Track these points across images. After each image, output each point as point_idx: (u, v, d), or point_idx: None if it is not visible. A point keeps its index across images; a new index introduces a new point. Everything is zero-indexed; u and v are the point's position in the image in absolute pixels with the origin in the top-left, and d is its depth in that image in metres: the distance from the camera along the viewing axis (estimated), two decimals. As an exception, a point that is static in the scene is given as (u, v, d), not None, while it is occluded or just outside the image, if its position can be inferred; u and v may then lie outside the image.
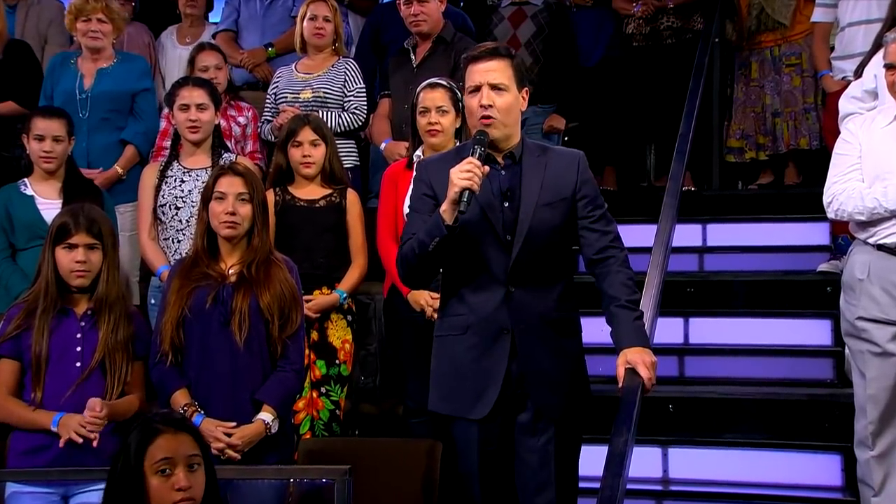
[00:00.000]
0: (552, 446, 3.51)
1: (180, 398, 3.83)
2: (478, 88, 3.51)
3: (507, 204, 3.52)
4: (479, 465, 3.54)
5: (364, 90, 5.70)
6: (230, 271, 3.91)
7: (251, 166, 4.76)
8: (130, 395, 3.90)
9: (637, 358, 3.38)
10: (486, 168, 3.38)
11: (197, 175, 4.89)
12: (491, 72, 3.51)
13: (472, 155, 3.38)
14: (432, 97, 4.67)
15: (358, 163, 5.80)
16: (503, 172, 3.55)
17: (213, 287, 3.85)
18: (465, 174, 3.31)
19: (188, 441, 2.90)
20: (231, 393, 3.83)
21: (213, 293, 3.84)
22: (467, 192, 3.31)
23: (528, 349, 3.50)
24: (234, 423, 3.78)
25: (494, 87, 3.50)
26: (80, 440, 3.67)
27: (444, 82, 4.75)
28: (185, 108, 4.91)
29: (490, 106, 3.48)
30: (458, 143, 4.62)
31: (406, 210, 4.52)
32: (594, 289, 3.60)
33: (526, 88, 3.62)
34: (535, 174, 3.55)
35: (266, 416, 3.82)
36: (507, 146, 3.57)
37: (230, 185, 3.92)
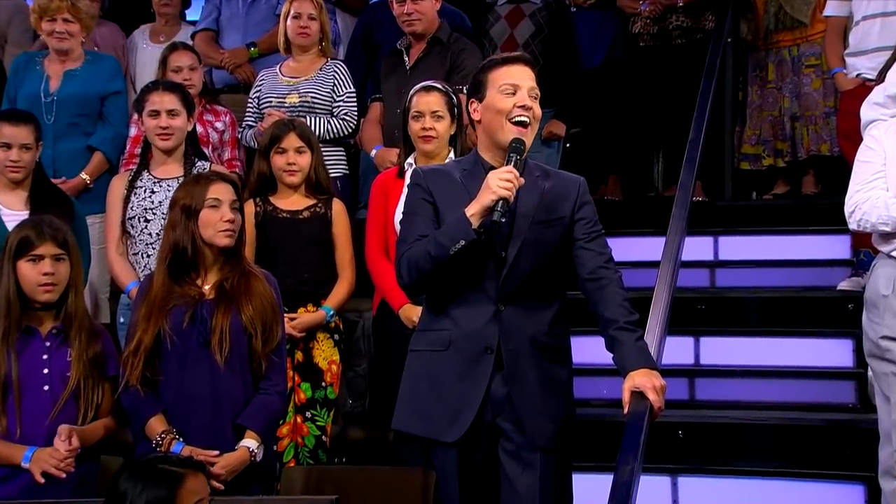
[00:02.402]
0: (540, 475, 3.50)
1: (156, 425, 3.79)
2: (514, 88, 3.52)
3: (503, 219, 3.49)
4: (459, 491, 3.55)
5: (354, 94, 5.69)
6: (206, 287, 3.87)
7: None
8: (101, 419, 3.89)
9: (645, 381, 3.35)
10: (522, 179, 3.42)
11: (168, 185, 4.84)
12: (529, 78, 3.56)
13: (509, 163, 3.42)
14: (427, 101, 4.66)
15: (347, 171, 5.78)
16: None
17: (190, 304, 3.81)
18: (505, 183, 3.34)
19: (203, 478, 3.00)
20: (211, 417, 3.80)
21: (191, 311, 3.80)
22: (503, 201, 3.34)
23: (516, 371, 3.50)
24: (216, 452, 3.75)
25: (531, 92, 3.55)
26: (63, 475, 3.65)
27: (439, 86, 4.74)
28: (155, 114, 4.88)
29: (530, 108, 3.52)
30: (451, 151, 4.62)
31: (398, 218, 4.49)
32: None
33: None
34: (532, 191, 3.57)
35: (250, 442, 3.80)
36: None
37: (223, 192, 3.89)
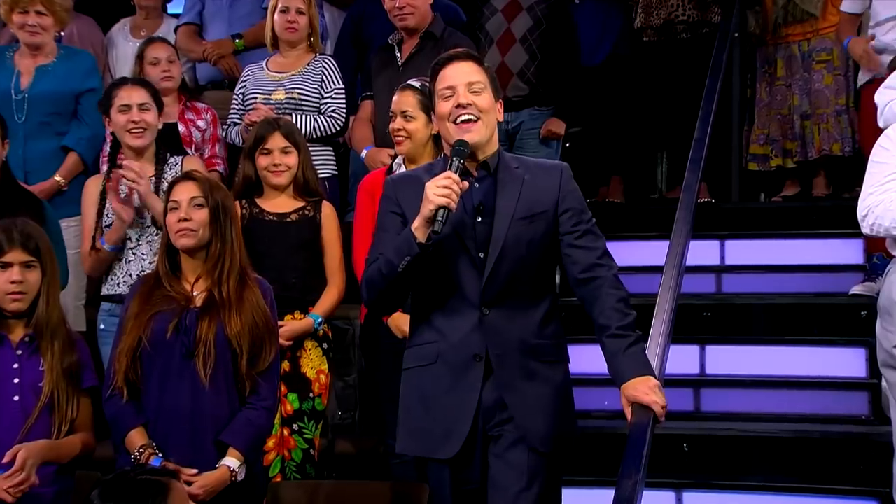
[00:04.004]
0: (528, 477, 3.46)
1: (136, 438, 3.75)
2: (452, 91, 3.52)
3: (479, 219, 3.52)
4: None
5: (343, 91, 5.67)
6: (195, 293, 3.84)
7: (199, 166, 4.67)
8: (77, 433, 3.85)
9: (636, 391, 3.33)
10: (465, 184, 3.39)
11: None
12: (466, 73, 3.55)
13: (450, 168, 3.39)
14: (398, 101, 4.71)
15: (336, 172, 5.77)
16: (477, 185, 3.54)
17: (177, 312, 3.78)
18: (442, 190, 3.31)
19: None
20: (192, 434, 3.75)
21: (176, 320, 3.76)
22: (443, 210, 3.31)
23: (506, 376, 3.48)
24: (195, 470, 3.70)
25: (471, 87, 3.52)
26: (10, 499, 3.62)
27: (415, 84, 4.75)
28: (126, 108, 4.83)
29: (469, 104, 3.50)
30: (440, 151, 4.61)
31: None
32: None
33: (500, 101, 3.64)
34: (511, 186, 3.55)
35: (231, 461, 3.75)
36: (482, 156, 3.56)
37: (182, 192, 3.88)
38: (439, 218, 3.30)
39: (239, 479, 3.75)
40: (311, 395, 4.69)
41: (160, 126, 4.97)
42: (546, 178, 3.59)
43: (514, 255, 3.48)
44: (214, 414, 3.76)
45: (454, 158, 3.41)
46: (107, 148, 5.54)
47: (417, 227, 3.34)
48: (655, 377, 3.40)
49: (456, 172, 3.36)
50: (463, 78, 3.52)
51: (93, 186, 4.93)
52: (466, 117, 3.48)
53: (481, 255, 3.47)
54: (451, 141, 3.53)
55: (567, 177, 3.61)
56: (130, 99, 4.82)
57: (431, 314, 3.53)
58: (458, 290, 3.48)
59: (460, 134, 3.48)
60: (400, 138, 4.65)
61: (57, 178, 5.47)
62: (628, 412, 3.34)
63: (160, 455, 3.71)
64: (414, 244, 3.34)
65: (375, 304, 3.65)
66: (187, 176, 3.96)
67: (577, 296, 3.56)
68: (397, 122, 4.65)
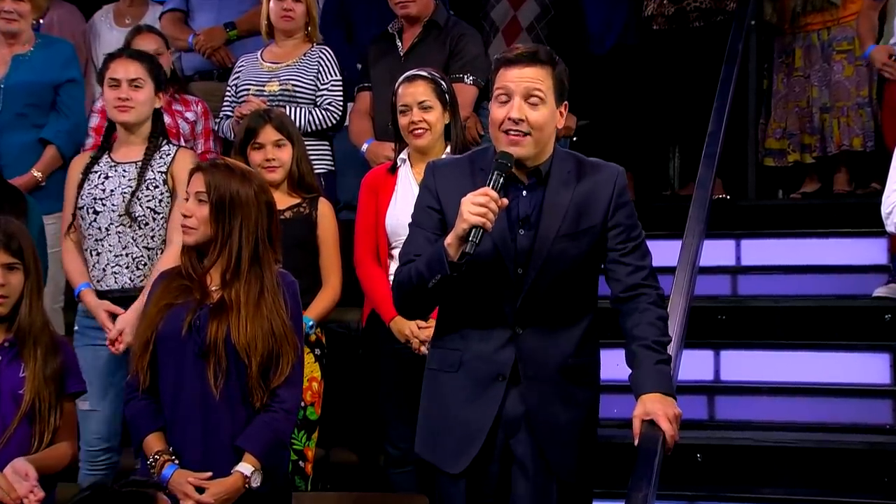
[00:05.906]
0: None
1: (153, 443, 3.68)
2: (508, 97, 3.44)
3: (522, 231, 3.45)
4: None
5: (340, 83, 5.66)
6: (213, 288, 3.74)
7: (193, 159, 4.61)
8: (61, 441, 3.82)
9: (657, 408, 3.30)
10: (504, 201, 3.29)
11: (124, 171, 4.71)
12: (526, 80, 3.44)
13: (489, 183, 3.30)
14: (412, 92, 4.64)
15: (332, 168, 5.74)
16: (524, 193, 3.48)
17: (192, 307, 3.68)
18: (479, 209, 3.22)
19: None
20: (205, 437, 3.66)
21: (191, 316, 3.67)
22: (477, 229, 3.22)
23: (537, 398, 3.45)
24: (209, 474, 3.63)
25: (529, 98, 3.43)
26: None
27: (424, 73, 4.71)
28: (115, 84, 4.71)
29: (521, 120, 3.41)
30: (448, 146, 4.57)
31: (389, 219, 4.47)
32: (609, 315, 3.55)
33: (565, 103, 3.56)
34: (560, 196, 3.47)
35: (245, 467, 3.65)
36: (533, 164, 3.49)
37: (192, 184, 3.76)
38: (472, 238, 3.21)
39: (254, 485, 3.66)
40: (301, 404, 4.64)
41: (159, 105, 4.82)
42: (597, 190, 3.51)
43: (555, 273, 3.43)
44: (228, 417, 3.66)
45: (495, 172, 3.32)
46: (94, 119, 5.57)
47: (450, 244, 3.26)
48: (677, 406, 3.37)
49: (495, 188, 3.27)
50: (522, 86, 3.42)
51: (76, 166, 4.82)
52: (516, 133, 3.40)
53: (519, 272, 3.42)
54: (497, 146, 3.46)
55: (621, 187, 3.54)
56: (120, 73, 4.70)
57: (460, 321, 3.49)
58: (491, 304, 3.44)
59: (507, 146, 3.39)
60: (420, 130, 4.61)
61: (35, 172, 5.45)
62: (637, 425, 3.30)
63: (176, 462, 3.65)
64: (445, 263, 3.26)
65: (404, 310, 3.64)
66: (199, 167, 3.81)
67: (616, 309, 3.52)
68: (416, 114, 4.60)
